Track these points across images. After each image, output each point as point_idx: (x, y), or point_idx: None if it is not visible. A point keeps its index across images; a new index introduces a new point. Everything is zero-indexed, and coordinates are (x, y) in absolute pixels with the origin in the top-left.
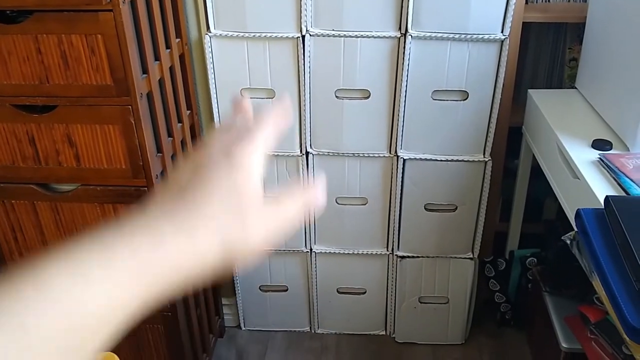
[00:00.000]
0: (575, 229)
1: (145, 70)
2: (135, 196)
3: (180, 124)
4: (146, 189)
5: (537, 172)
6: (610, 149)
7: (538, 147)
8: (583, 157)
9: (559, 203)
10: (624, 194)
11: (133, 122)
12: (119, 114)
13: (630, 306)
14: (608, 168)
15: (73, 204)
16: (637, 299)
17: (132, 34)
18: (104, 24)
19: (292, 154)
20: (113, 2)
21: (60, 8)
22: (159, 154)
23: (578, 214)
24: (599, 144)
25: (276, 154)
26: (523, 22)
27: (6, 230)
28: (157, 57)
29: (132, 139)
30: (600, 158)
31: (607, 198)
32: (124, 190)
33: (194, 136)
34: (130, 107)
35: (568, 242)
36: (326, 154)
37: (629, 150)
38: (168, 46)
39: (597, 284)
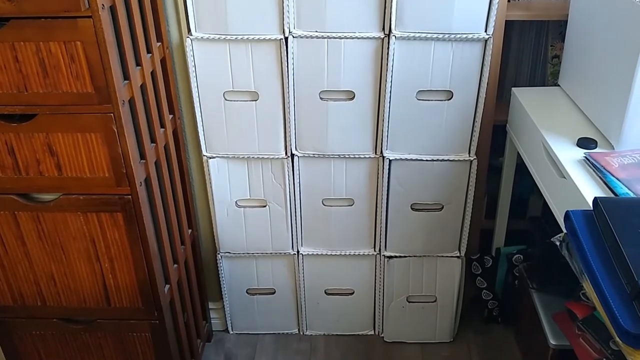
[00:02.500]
0: (564, 230)
1: (126, 77)
2: (119, 204)
3: (163, 129)
4: (130, 197)
5: (521, 169)
6: (595, 147)
7: (523, 145)
8: (569, 156)
9: (544, 200)
10: (610, 193)
11: (115, 129)
12: (100, 122)
13: (622, 309)
14: (594, 167)
15: (55, 214)
16: (629, 301)
17: (113, 40)
18: (83, 31)
19: (277, 156)
20: (92, 8)
21: (37, 15)
22: (142, 161)
23: (567, 216)
24: (584, 143)
25: (261, 156)
26: (505, 20)
27: None
28: (138, 63)
29: (114, 147)
30: (585, 157)
31: (595, 200)
32: (107, 198)
33: (177, 141)
34: (112, 114)
35: (557, 243)
36: (311, 155)
37: (613, 149)
38: (149, 50)
39: (587, 285)
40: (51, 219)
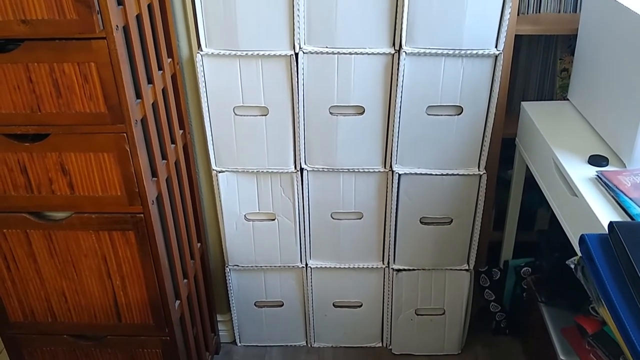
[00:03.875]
0: (576, 247)
1: (139, 95)
2: (132, 223)
3: (174, 145)
4: (142, 215)
5: (530, 182)
6: (607, 164)
7: (533, 160)
8: (580, 174)
9: (552, 212)
10: (623, 213)
11: (128, 149)
12: (113, 141)
13: None
14: (606, 186)
15: (67, 232)
16: None
17: (126, 60)
18: (97, 52)
19: (286, 170)
20: (106, 29)
21: (51, 37)
22: (154, 178)
23: (582, 240)
24: (596, 160)
25: (270, 170)
26: (515, 35)
27: None
28: (150, 80)
29: (127, 166)
30: (597, 175)
31: (611, 224)
32: (119, 217)
33: (187, 155)
34: (125, 134)
35: (572, 266)
36: (321, 170)
37: (625, 167)
38: (160, 67)
39: (604, 312)
40: (63, 237)
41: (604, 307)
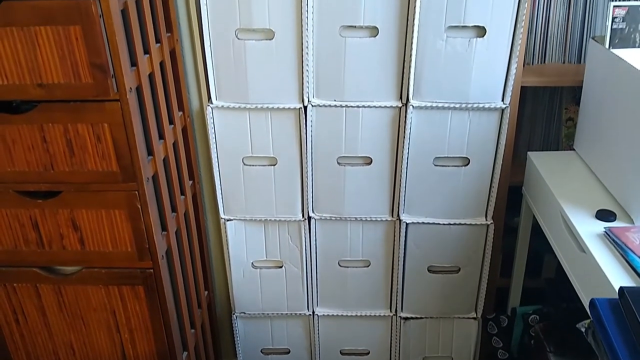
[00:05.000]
0: (589, 314)
1: (150, 152)
2: (141, 278)
3: (183, 197)
4: (152, 270)
5: (536, 228)
6: (614, 219)
7: (540, 211)
8: (588, 229)
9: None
10: (632, 272)
11: (139, 206)
12: (125, 199)
13: None
14: (614, 243)
15: (77, 286)
16: None
17: (138, 120)
18: (111, 113)
19: (294, 218)
20: (120, 92)
21: (66, 99)
22: (164, 232)
23: (593, 304)
24: (603, 215)
25: (278, 219)
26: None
27: (7, 313)
28: (161, 136)
29: (138, 222)
30: (605, 232)
31: (621, 289)
32: (129, 272)
33: (195, 205)
34: (136, 192)
35: (583, 330)
36: (328, 218)
37: (633, 222)
38: (171, 122)
39: None
40: (72, 291)
41: None
